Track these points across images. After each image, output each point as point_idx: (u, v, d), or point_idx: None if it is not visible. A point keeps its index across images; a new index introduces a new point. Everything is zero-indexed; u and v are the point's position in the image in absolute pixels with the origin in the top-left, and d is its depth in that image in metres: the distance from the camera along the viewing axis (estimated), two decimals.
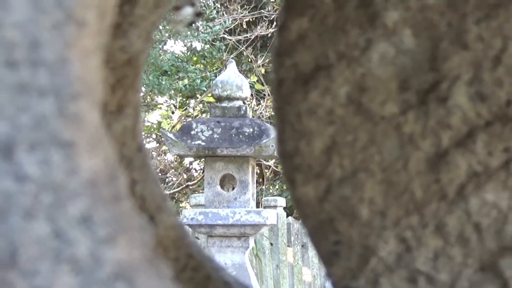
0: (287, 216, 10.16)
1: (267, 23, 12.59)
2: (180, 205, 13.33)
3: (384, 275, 1.34)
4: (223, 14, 12.83)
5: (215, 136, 6.41)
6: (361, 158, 1.35)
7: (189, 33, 11.41)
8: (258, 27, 12.61)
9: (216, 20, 12.50)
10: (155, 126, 13.65)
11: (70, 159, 0.65)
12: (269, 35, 12.47)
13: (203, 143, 6.38)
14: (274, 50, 1.37)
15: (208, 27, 12.22)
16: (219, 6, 13.05)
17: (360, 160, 1.35)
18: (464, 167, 1.33)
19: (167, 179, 13.31)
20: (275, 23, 12.30)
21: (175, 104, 13.88)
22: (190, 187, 12.76)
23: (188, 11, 1.34)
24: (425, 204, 1.34)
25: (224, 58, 12.48)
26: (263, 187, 12.20)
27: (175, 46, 14.22)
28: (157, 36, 11.29)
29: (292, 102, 1.35)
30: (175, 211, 1.42)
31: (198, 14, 1.31)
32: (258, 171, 10.63)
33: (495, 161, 1.33)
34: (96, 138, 0.68)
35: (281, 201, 9.85)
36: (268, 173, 12.59)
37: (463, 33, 1.33)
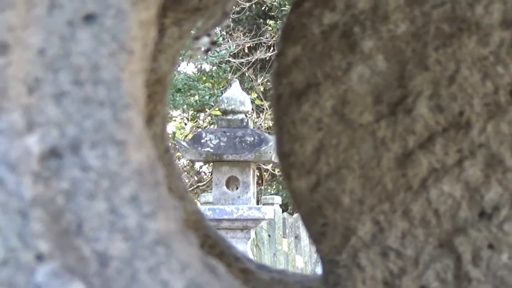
0: (283, 212, 10.04)
1: (265, 48, 12.38)
2: None
3: (362, 250, 1.37)
4: (228, 40, 12.68)
5: (222, 144, 6.32)
6: (343, 157, 1.37)
7: (199, 56, 11.33)
8: (258, 51, 12.41)
9: (222, 45, 12.38)
10: (170, 135, 13.51)
11: (122, 154, 0.68)
12: (267, 58, 12.26)
13: (211, 150, 6.28)
14: (273, 71, 1.40)
15: (215, 51, 12.09)
16: (224, 33, 12.93)
17: (343, 159, 1.38)
18: (425, 164, 1.36)
19: None
20: (272, 48, 12.15)
21: (187, 117, 13.69)
22: (200, 187, 12.59)
23: (205, 40, 1.36)
24: (394, 194, 1.37)
25: (229, 78, 12.28)
26: (262, 187, 12.01)
27: (187, 68, 14.03)
28: None
29: (288, 112, 1.38)
30: (194, 200, 1.46)
31: (213, 43, 1.34)
32: (258, 174, 10.51)
33: (450, 159, 1.36)
34: (141, 138, 0.71)
35: (278, 199, 9.70)
36: (266, 176, 12.43)
37: (425, 57, 1.36)
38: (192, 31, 1.37)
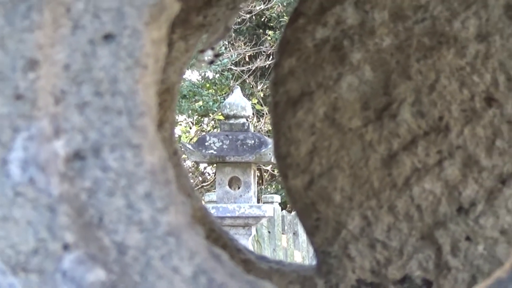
0: (282, 210, 9.88)
1: (265, 57, 12.13)
2: None
3: (351, 242, 1.39)
4: (230, 49, 12.50)
5: (224, 146, 6.23)
6: (335, 158, 1.39)
7: (203, 65, 11.17)
8: (258, 60, 12.18)
9: (224, 54, 12.21)
10: (176, 139, 13.21)
11: (138, 156, 0.69)
12: (266, 66, 12.07)
13: (214, 152, 6.20)
14: (271, 81, 1.41)
15: (218, 60, 11.94)
16: (226, 43, 12.78)
17: (334, 160, 1.39)
18: (409, 165, 1.38)
19: None
20: (271, 57, 12.01)
21: (192, 121, 13.50)
22: (205, 187, 12.39)
23: (209, 53, 1.37)
24: (381, 191, 1.39)
25: (231, 84, 12.11)
26: (262, 186, 11.77)
27: (192, 75, 13.84)
28: None
29: (284, 118, 1.39)
30: (200, 198, 1.46)
31: (217, 55, 1.34)
32: (259, 174, 10.33)
33: (431, 160, 1.37)
34: (154, 142, 0.72)
35: (277, 198, 9.52)
36: (266, 176, 12.22)
37: (408, 68, 1.38)
38: (197, 45, 1.37)
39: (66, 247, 0.66)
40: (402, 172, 1.38)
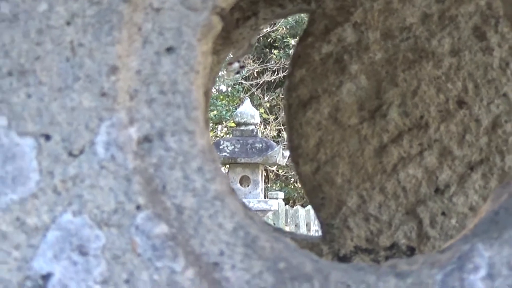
0: (285, 205, 9.77)
1: (271, 73, 11.90)
2: None
3: (350, 216, 1.45)
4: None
5: (236, 149, 6.24)
6: (337, 149, 1.45)
7: (217, 79, 10.94)
8: (265, 75, 12.00)
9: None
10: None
11: (192, 139, 0.74)
12: (272, 81, 11.92)
13: (227, 155, 6.19)
14: (285, 87, 1.46)
15: (242, 70, 11.55)
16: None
17: (336, 150, 1.45)
18: (396, 154, 1.43)
19: None
20: (276, 73, 11.82)
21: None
22: None
23: (236, 65, 1.43)
24: (373, 176, 1.44)
25: (241, 96, 11.93)
26: (269, 184, 11.58)
27: None
28: None
29: (296, 117, 1.44)
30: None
31: (242, 67, 1.39)
32: (265, 174, 10.16)
33: (414, 150, 1.43)
34: (203, 129, 0.76)
35: (281, 194, 9.31)
36: (272, 175, 12.05)
37: (395, 77, 1.43)
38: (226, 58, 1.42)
39: (138, 207, 0.72)
40: (390, 160, 1.42)
